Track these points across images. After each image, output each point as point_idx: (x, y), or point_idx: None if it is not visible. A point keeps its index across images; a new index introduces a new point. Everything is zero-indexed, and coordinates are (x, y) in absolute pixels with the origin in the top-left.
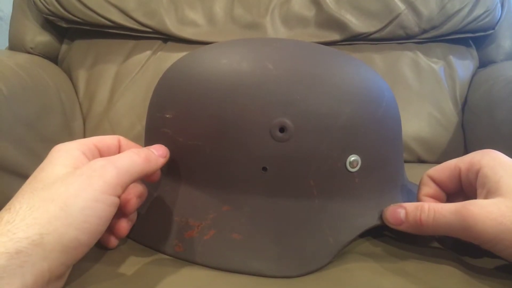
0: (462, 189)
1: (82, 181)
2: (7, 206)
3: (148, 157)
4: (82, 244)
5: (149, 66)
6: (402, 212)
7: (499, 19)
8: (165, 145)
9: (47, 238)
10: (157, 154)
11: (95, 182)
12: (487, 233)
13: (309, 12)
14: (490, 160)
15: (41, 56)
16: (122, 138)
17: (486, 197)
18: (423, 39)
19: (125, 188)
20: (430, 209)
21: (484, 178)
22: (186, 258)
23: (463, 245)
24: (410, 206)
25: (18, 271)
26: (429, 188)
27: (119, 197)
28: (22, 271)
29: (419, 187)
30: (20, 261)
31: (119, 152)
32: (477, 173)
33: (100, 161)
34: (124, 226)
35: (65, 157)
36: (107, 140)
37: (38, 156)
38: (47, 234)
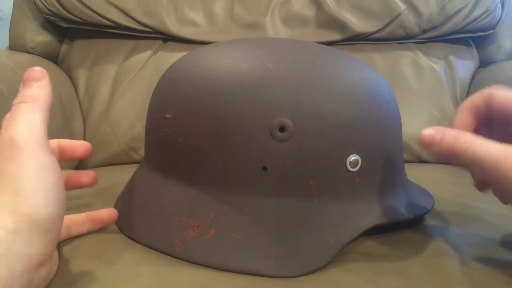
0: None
1: (10, 164)
2: None
3: (36, 95)
4: (56, 217)
5: (149, 66)
6: (439, 136)
7: (499, 19)
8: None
9: (21, 226)
10: (37, 84)
11: (20, 155)
12: None
13: (309, 12)
14: None
15: (41, 56)
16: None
17: None
18: (423, 39)
19: (45, 137)
20: (467, 140)
21: None
22: (186, 258)
23: (463, 244)
24: (450, 132)
25: (3, 260)
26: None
27: (52, 151)
28: (8, 260)
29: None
30: (3, 249)
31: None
32: None
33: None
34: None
35: None
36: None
37: None
38: (19, 221)
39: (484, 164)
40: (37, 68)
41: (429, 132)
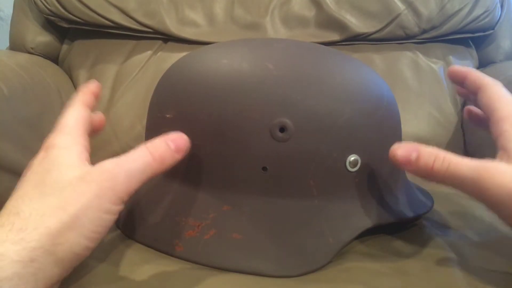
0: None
1: (93, 191)
2: (14, 210)
3: (163, 157)
4: (88, 250)
5: (150, 66)
6: (414, 155)
7: (499, 19)
8: None
9: (60, 248)
10: (174, 147)
11: (105, 194)
12: (500, 195)
13: (309, 12)
14: None
15: (42, 56)
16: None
17: (508, 161)
18: (422, 39)
19: (132, 192)
20: (446, 159)
21: (509, 143)
22: (187, 258)
23: (462, 244)
24: (425, 150)
25: (31, 278)
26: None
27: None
28: (35, 278)
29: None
30: (34, 269)
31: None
32: (502, 133)
33: (110, 164)
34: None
35: (67, 156)
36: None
37: None
38: (60, 244)
39: (465, 182)
40: (185, 141)
41: (402, 151)
